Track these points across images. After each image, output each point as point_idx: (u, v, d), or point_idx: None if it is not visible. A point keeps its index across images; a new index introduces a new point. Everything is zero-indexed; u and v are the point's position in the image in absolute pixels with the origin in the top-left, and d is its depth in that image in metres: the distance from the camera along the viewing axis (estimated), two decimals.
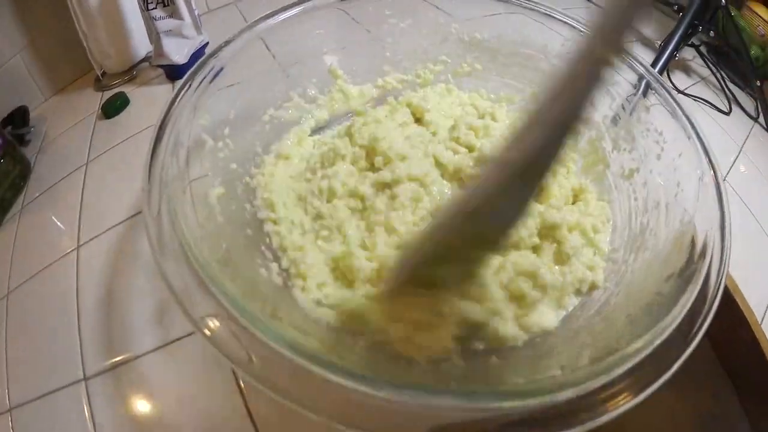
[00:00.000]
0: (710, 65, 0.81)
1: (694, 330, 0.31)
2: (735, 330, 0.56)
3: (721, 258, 0.35)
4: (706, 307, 0.32)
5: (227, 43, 0.46)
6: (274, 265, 0.39)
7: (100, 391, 0.42)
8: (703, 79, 0.81)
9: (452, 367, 0.34)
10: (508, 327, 0.37)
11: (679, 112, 0.45)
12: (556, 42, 0.51)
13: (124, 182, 0.60)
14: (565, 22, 0.50)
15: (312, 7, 0.50)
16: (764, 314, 0.61)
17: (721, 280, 0.33)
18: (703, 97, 0.75)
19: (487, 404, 0.26)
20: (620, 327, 0.35)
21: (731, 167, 0.68)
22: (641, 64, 0.49)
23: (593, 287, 0.41)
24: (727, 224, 0.37)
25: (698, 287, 0.33)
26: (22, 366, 0.46)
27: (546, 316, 0.39)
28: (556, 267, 0.41)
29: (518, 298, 0.38)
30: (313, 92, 0.52)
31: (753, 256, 0.65)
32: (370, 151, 0.46)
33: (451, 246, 0.32)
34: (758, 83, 0.75)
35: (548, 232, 0.42)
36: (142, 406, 0.42)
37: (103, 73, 0.76)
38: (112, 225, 0.55)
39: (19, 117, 0.71)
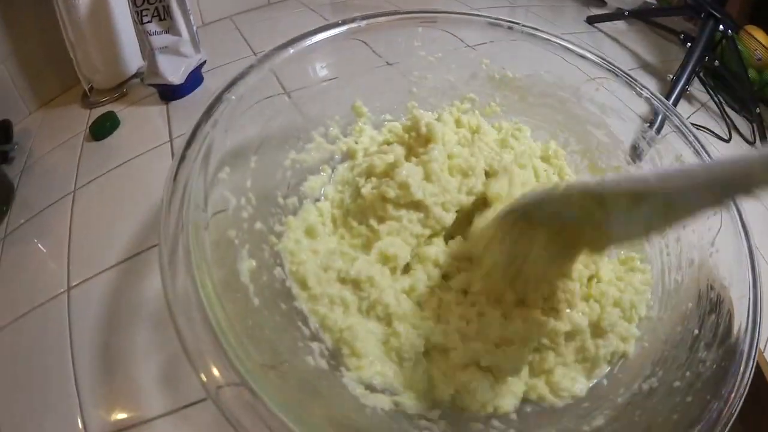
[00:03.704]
0: (709, 90, 0.79)
1: None
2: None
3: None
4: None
5: (235, 81, 0.39)
6: (316, 345, 0.34)
7: None
8: (702, 105, 0.79)
9: None
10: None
11: None
12: (590, 85, 0.46)
13: (117, 217, 0.52)
14: (600, 65, 0.46)
15: (328, 37, 0.44)
16: None
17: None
18: (704, 125, 0.72)
19: None
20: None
21: None
22: (668, 106, 0.45)
23: (624, 356, 0.39)
24: (759, 310, 0.34)
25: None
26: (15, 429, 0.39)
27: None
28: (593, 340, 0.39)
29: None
30: (335, 131, 0.46)
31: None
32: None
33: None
34: (757, 109, 0.73)
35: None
36: None
37: (91, 88, 0.67)
38: (106, 267, 0.47)
39: (2, 132, 0.62)
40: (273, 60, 0.42)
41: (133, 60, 0.66)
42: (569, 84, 0.48)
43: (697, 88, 0.80)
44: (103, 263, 0.47)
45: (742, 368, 0.31)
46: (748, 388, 0.31)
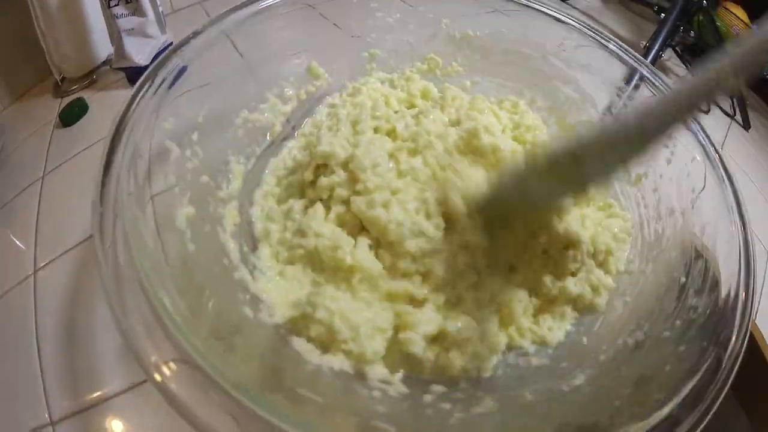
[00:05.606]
0: (687, 64, 0.76)
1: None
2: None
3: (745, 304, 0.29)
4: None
5: (195, 35, 0.38)
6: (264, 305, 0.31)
7: None
8: (680, 78, 0.76)
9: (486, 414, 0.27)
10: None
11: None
12: (555, 41, 0.44)
13: (82, 197, 0.49)
14: (564, 21, 0.44)
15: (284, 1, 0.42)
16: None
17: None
18: None
19: None
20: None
21: None
22: (642, 61, 0.43)
23: (592, 307, 0.36)
24: (751, 256, 0.32)
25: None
26: None
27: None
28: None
29: None
30: (290, 92, 0.44)
31: None
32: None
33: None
34: None
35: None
36: None
37: (63, 78, 0.65)
38: (70, 246, 0.46)
39: None
40: (225, 20, 0.40)
41: (103, 47, 0.64)
42: (533, 40, 0.45)
43: (675, 64, 0.78)
44: (69, 243, 0.46)
45: (740, 310, 0.29)
46: (748, 333, 0.28)
